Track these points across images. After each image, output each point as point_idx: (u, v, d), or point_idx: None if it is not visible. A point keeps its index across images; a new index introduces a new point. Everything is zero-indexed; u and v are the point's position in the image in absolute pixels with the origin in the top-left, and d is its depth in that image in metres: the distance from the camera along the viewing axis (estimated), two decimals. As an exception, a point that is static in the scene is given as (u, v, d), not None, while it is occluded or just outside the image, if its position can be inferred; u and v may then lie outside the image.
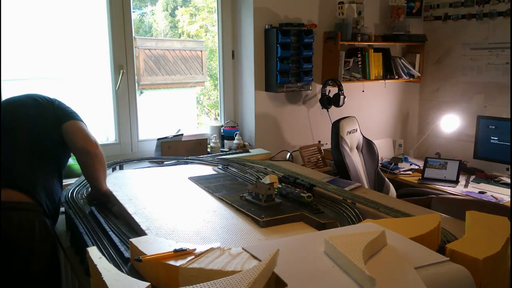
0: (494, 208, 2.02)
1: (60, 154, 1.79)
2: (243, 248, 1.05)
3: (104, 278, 0.92)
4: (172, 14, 4.75)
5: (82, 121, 1.79)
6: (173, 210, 1.57)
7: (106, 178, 1.78)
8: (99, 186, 1.71)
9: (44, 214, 1.57)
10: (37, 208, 1.55)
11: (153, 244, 1.09)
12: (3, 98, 1.87)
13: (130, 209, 1.54)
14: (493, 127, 3.29)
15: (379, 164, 3.27)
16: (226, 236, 1.34)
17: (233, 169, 2.18)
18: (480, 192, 2.97)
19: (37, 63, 2.75)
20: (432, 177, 3.27)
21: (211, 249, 1.05)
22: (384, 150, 3.78)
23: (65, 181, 1.88)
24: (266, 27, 3.02)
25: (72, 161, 2.18)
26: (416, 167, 3.55)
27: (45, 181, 1.64)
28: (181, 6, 4.68)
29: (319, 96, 3.32)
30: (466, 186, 3.12)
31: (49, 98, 1.83)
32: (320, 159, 3.23)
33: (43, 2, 2.85)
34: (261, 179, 1.91)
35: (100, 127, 3.17)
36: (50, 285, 1.55)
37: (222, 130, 3.11)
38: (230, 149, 2.97)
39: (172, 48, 4.33)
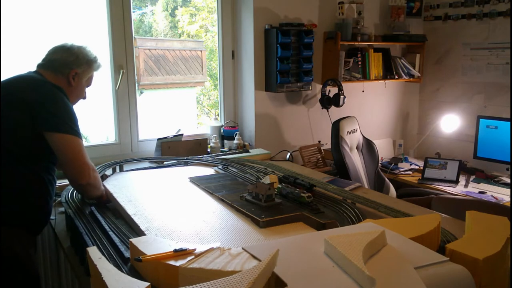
0: (494, 208, 2.03)
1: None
2: (243, 248, 1.05)
3: (104, 278, 0.92)
4: (172, 14, 4.76)
5: (71, 133, 1.54)
6: (173, 211, 1.57)
7: (101, 183, 1.75)
8: (93, 198, 1.74)
9: None
10: None
11: (153, 244, 1.09)
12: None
13: (130, 210, 1.54)
14: (493, 127, 3.29)
15: (379, 164, 3.26)
16: (226, 236, 1.34)
17: (233, 169, 2.18)
18: (480, 192, 2.97)
19: (36, 63, 2.77)
20: (432, 177, 3.27)
21: (211, 249, 1.05)
22: (384, 150, 3.78)
23: (65, 181, 1.88)
24: (266, 27, 3.02)
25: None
26: (416, 167, 3.55)
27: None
28: (181, 6, 4.68)
29: (319, 96, 3.32)
30: (466, 186, 3.12)
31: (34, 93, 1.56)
32: (320, 159, 3.22)
33: (43, 2, 2.85)
34: (261, 179, 1.91)
35: (100, 127, 3.17)
36: None
37: (222, 130, 3.11)
38: (230, 149, 2.97)
39: (172, 48, 4.34)
